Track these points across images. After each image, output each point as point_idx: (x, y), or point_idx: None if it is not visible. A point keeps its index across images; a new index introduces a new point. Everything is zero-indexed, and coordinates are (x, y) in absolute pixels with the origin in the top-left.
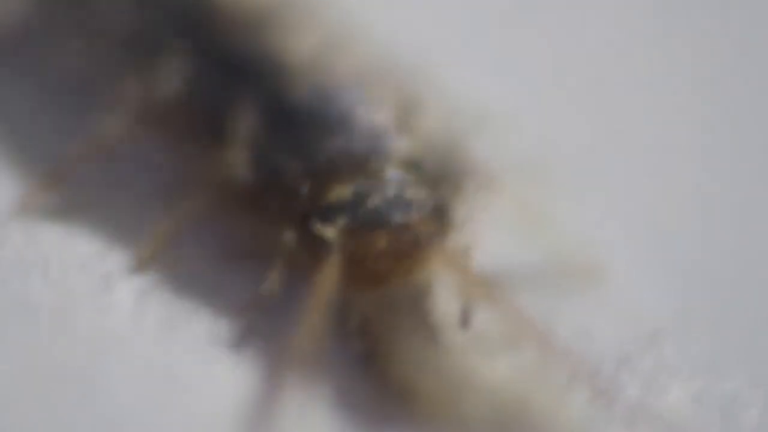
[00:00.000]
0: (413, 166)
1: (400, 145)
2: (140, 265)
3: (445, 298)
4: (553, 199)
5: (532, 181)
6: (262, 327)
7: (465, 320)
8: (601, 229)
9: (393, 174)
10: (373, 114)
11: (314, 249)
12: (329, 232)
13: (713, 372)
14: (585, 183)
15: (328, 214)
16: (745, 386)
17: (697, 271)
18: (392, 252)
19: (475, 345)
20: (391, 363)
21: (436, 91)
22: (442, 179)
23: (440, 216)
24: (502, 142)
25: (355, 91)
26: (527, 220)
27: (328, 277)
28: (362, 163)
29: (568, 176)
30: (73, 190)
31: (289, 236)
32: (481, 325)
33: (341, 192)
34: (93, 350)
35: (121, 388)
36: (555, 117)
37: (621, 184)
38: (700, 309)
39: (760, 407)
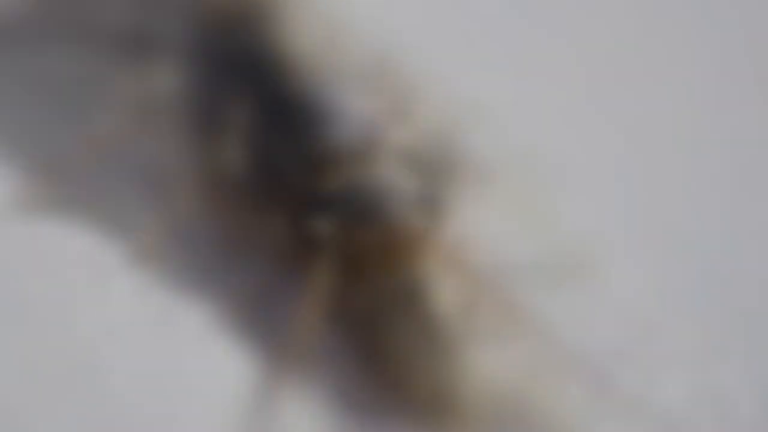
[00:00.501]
0: (408, 157)
1: (396, 137)
2: (139, 260)
3: (443, 294)
4: (547, 192)
5: (527, 174)
6: (259, 320)
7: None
8: (596, 222)
9: (387, 166)
10: (369, 105)
11: (308, 244)
12: (322, 227)
13: (709, 366)
14: (579, 176)
15: (321, 208)
16: (741, 382)
17: (692, 265)
18: (385, 245)
19: (474, 341)
20: (390, 361)
21: (432, 83)
22: (437, 171)
23: (433, 208)
24: (497, 135)
25: (350, 83)
26: (522, 214)
27: (323, 272)
28: (357, 154)
29: (562, 169)
30: (71, 186)
31: (283, 230)
32: (480, 321)
33: (334, 185)
34: (93, 344)
35: (120, 381)
36: (550, 111)
37: (615, 178)
38: (696, 303)
39: (756, 403)
